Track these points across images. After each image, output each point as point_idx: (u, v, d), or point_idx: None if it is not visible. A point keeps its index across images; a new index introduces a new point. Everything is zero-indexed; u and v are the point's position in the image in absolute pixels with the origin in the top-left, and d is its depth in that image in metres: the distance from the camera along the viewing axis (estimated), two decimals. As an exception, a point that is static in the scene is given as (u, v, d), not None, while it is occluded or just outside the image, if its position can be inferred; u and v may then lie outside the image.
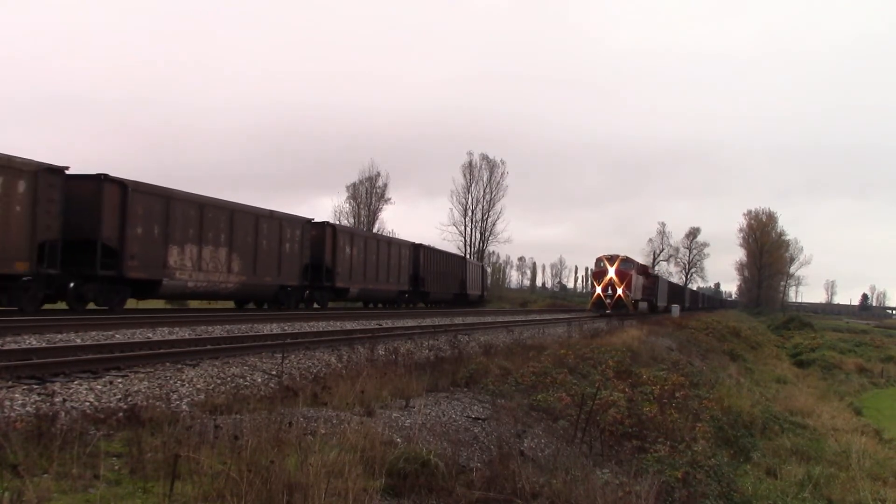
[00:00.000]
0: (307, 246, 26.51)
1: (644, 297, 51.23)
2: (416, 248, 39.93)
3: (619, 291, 43.18)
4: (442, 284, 43.74)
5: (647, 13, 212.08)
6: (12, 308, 16.16)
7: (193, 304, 27.86)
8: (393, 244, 36.75)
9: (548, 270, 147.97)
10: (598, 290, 44.05)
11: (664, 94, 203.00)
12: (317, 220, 27.83)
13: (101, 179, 18.00)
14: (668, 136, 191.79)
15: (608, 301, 43.01)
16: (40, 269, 16.01)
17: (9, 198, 15.17)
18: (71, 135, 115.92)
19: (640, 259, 66.88)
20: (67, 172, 16.94)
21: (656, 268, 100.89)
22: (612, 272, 43.67)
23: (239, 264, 22.71)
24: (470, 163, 71.66)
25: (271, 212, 24.74)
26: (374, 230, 60.29)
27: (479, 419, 8.36)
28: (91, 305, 18.26)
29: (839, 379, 32.53)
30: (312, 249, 26.98)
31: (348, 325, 18.80)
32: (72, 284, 17.47)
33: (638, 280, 47.48)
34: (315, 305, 28.17)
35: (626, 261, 45.38)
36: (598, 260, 45.43)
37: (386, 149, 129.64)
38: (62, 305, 18.27)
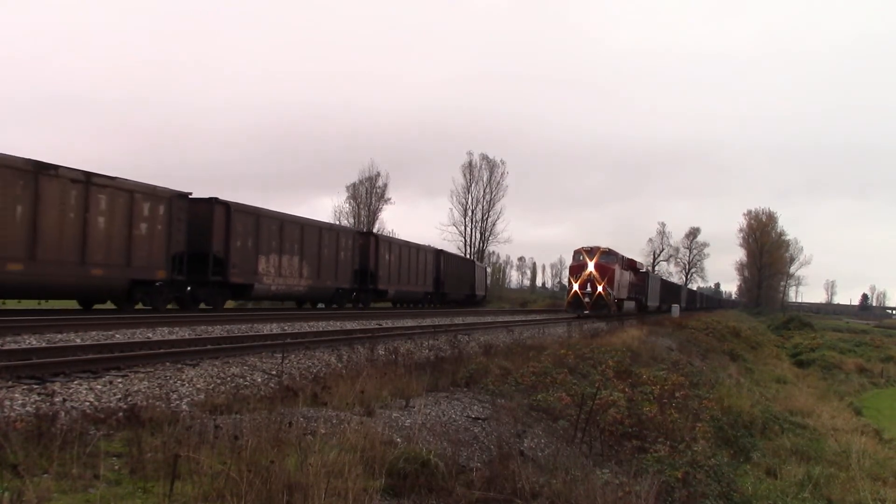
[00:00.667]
0: (357, 253, 30.75)
1: (631, 295, 45.60)
2: (438, 254, 43.55)
3: (600, 289, 37.44)
4: (457, 286, 46.97)
5: (647, 13, 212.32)
6: (147, 307, 19.71)
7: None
8: (420, 250, 40.13)
9: (548, 270, 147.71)
10: (576, 286, 38.16)
11: (664, 94, 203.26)
12: (363, 230, 33.41)
13: (213, 202, 21.78)
14: (668, 136, 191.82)
15: (587, 300, 37.43)
16: (172, 276, 19.93)
17: (154, 219, 19.27)
18: (71, 135, 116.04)
19: (639, 258, 65.40)
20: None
21: (656, 268, 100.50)
22: (591, 266, 37.80)
23: (307, 270, 26.79)
24: (470, 163, 71.65)
25: (331, 224, 29.09)
26: (375, 230, 60.33)
27: (479, 419, 8.36)
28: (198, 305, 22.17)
29: (839, 379, 32.53)
30: (360, 256, 31.07)
31: (348, 325, 18.79)
32: (189, 288, 21.32)
33: (623, 276, 41.92)
34: (360, 305, 31.80)
35: (609, 253, 39.44)
36: (576, 252, 39.52)
37: (386, 149, 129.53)
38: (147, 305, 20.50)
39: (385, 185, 68.30)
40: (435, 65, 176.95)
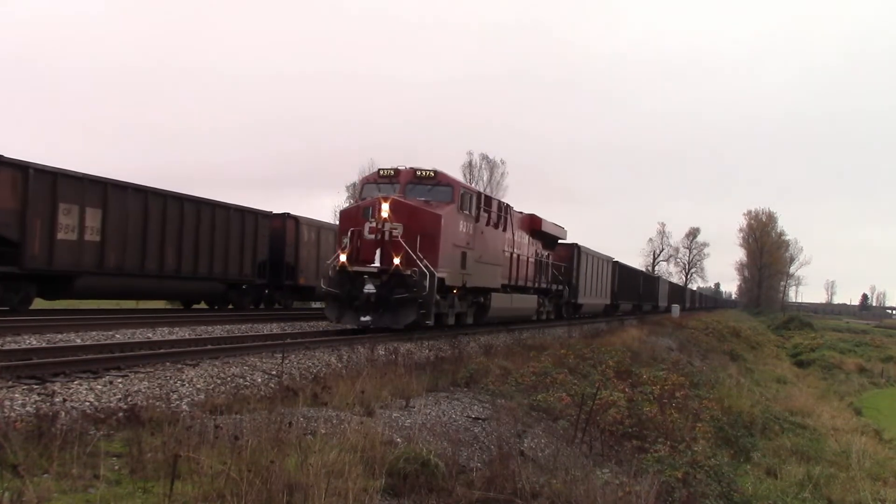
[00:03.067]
0: None
1: (528, 282, 23.03)
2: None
3: (397, 261, 14.59)
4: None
5: (647, 13, 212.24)
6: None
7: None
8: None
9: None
10: (343, 258, 15.15)
11: (664, 94, 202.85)
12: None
13: None
14: (669, 136, 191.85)
15: (367, 289, 14.67)
16: None
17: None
18: (70, 135, 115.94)
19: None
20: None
21: (656, 268, 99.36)
22: (384, 209, 14.90)
23: None
24: (470, 163, 71.28)
25: None
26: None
27: (479, 419, 8.37)
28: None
29: (839, 379, 32.56)
30: None
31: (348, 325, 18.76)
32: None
33: (484, 236, 18.36)
34: None
35: (435, 182, 16.48)
36: (362, 183, 17.98)
37: (386, 149, 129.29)
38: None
39: (385, 185, 68.36)
40: (435, 64, 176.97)
